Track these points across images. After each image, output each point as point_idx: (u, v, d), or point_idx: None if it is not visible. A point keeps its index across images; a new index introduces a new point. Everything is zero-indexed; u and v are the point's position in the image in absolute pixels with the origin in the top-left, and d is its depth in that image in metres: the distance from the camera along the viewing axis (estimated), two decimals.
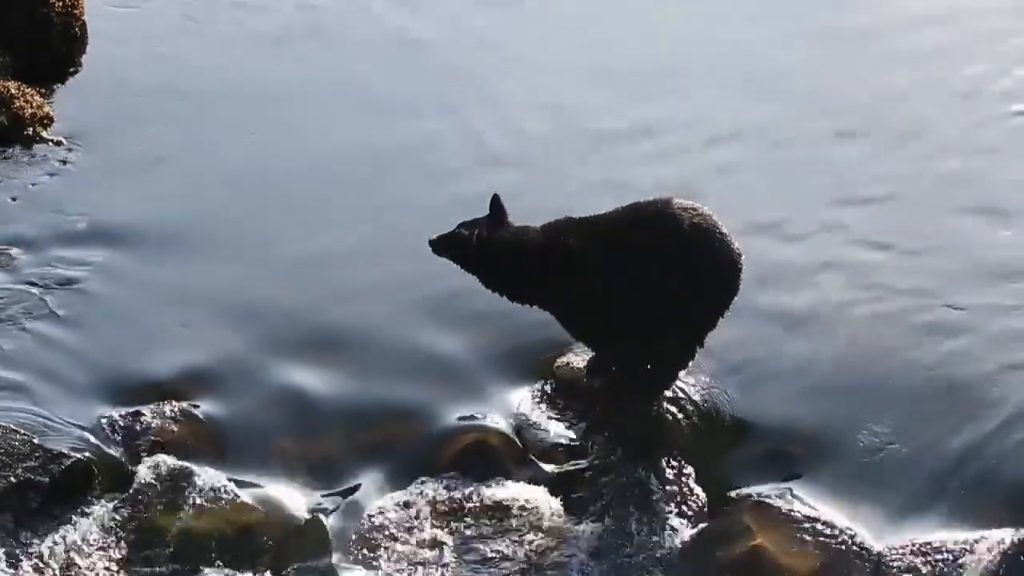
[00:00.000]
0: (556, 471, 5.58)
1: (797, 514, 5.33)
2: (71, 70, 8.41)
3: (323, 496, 5.49)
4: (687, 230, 5.46)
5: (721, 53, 8.46)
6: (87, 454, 5.52)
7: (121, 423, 5.72)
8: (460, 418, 5.78)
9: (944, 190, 7.17)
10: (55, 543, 5.18)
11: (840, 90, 8.08)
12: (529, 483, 5.51)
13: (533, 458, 5.62)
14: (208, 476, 5.47)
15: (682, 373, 5.80)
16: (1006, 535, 5.17)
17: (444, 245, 5.71)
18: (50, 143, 7.69)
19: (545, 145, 7.60)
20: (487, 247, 5.63)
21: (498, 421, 5.77)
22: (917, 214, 6.99)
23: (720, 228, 5.51)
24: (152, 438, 5.66)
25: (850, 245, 6.75)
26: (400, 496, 5.45)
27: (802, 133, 7.67)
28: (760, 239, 6.58)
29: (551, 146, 7.60)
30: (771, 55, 8.45)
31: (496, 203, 5.70)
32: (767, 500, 5.41)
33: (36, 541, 5.18)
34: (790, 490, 5.43)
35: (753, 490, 5.47)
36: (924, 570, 5.11)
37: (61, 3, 8.37)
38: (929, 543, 5.20)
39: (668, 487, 5.50)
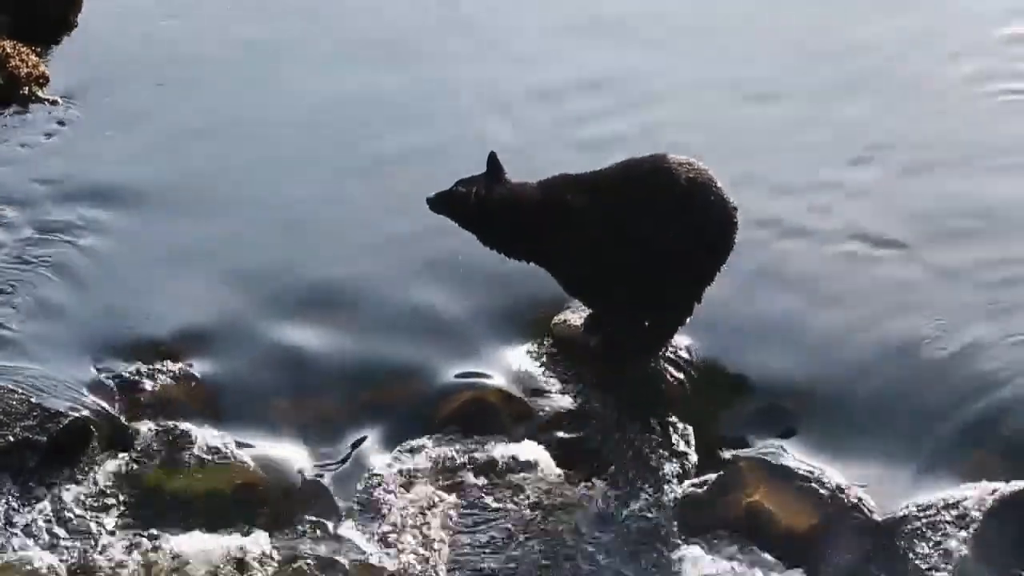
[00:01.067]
0: (553, 429, 5.57)
1: (794, 470, 5.33)
2: (67, 29, 8.37)
3: (321, 455, 5.49)
4: (683, 184, 5.45)
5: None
6: (85, 413, 5.51)
7: (119, 382, 5.72)
8: (458, 376, 5.77)
9: (935, 149, 7.18)
10: (53, 503, 5.18)
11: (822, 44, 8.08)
12: (527, 441, 5.51)
13: (531, 416, 5.62)
14: (206, 436, 5.47)
15: (679, 330, 5.79)
16: (1001, 487, 5.17)
17: (442, 203, 5.69)
18: (46, 102, 7.67)
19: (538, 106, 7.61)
20: (486, 204, 5.61)
21: (496, 379, 5.76)
22: (911, 172, 6.99)
23: (716, 182, 5.50)
24: (150, 397, 5.67)
25: (846, 202, 6.75)
26: (398, 454, 5.45)
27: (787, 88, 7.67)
28: (753, 195, 6.54)
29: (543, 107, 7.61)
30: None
31: (493, 160, 5.68)
32: (764, 457, 5.41)
33: (34, 501, 5.18)
34: (786, 447, 5.43)
35: (750, 447, 5.48)
36: (921, 524, 5.11)
37: None
38: (926, 497, 5.21)
39: (665, 444, 5.49)
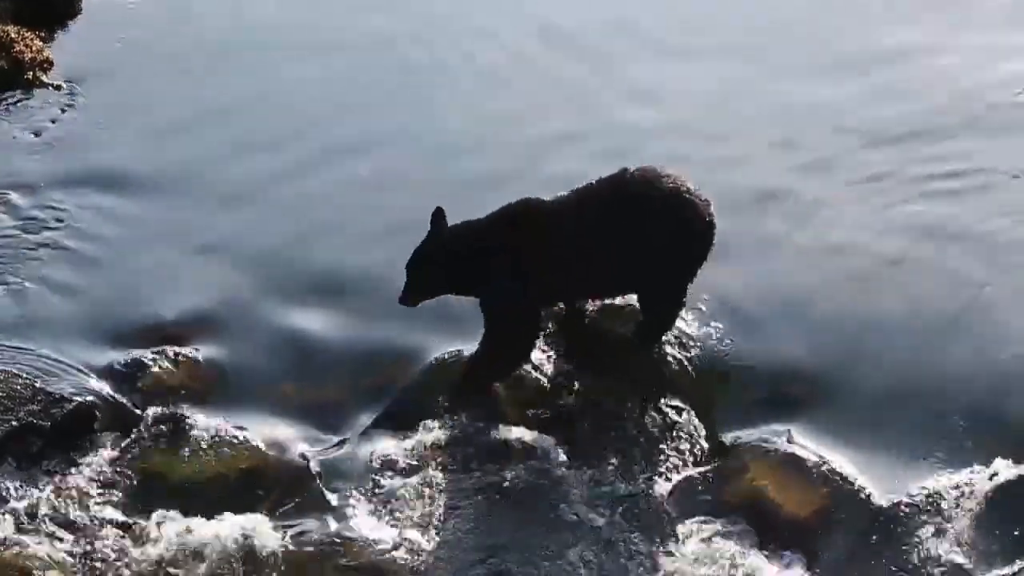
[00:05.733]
0: (556, 414, 5.57)
1: (797, 456, 5.34)
2: (71, 15, 8.37)
3: (325, 438, 5.49)
4: (666, 190, 5.52)
5: None
6: (89, 398, 5.53)
7: (124, 367, 5.74)
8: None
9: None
10: (57, 486, 5.19)
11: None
12: (530, 425, 5.51)
13: (534, 401, 5.61)
14: (211, 420, 5.49)
15: (679, 318, 5.79)
16: (1003, 471, 5.17)
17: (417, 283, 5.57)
18: (50, 87, 7.68)
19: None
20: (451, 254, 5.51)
21: None
22: (919, 151, 6.99)
23: (694, 190, 5.55)
24: (155, 382, 5.69)
25: (852, 186, 6.74)
26: (402, 437, 5.46)
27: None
28: (761, 178, 6.69)
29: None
30: None
31: (437, 216, 5.53)
32: (768, 442, 5.42)
33: (38, 485, 5.20)
34: (790, 432, 5.43)
35: (754, 432, 5.48)
36: (923, 509, 5.12)
37: None
38: (928, 483, 5.21)
39: (669, 429, 5.50)
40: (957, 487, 5.17)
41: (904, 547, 5.03)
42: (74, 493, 5.18)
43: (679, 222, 5.54)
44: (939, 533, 5.04)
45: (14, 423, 5.38)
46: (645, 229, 5.51)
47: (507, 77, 7.69)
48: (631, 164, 5.61)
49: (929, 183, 6.72)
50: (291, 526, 5.14)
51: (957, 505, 5.10)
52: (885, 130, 7.13)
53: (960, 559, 4.97)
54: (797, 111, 7.33)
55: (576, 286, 5.69)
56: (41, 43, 7.91)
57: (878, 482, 5.24)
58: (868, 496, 5.19)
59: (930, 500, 5.14)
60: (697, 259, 5.62)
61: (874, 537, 5.09)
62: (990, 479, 5.16)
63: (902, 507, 5.14)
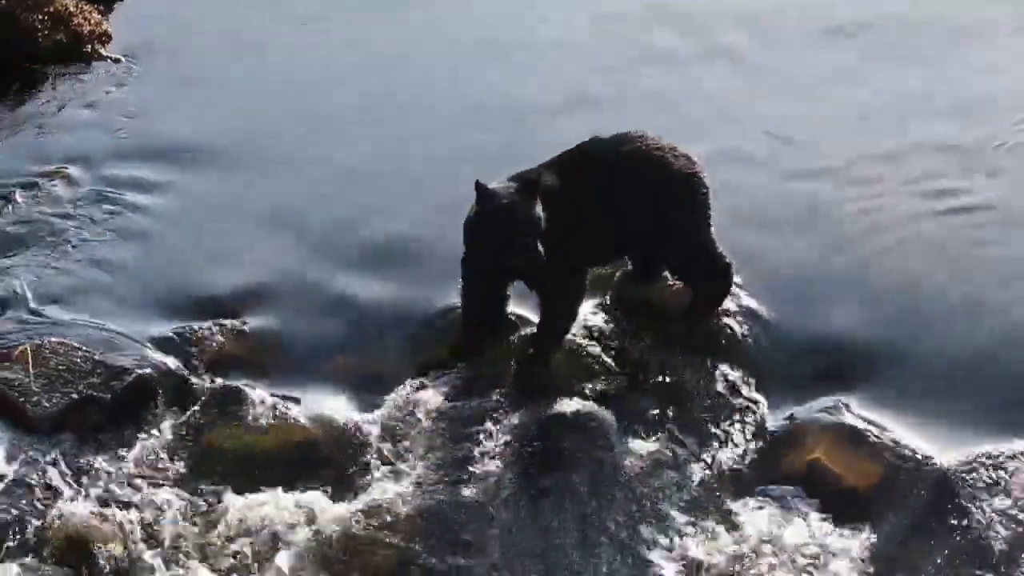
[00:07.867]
0: (614, 385, 5.55)
1: (856, 427, 5.30)
2: None
3: (382, 410, 5.49)
4: (654, 152, 5.52)
5: None
6: (149, 371, 5.56)
7: (182, 339, 5.77)
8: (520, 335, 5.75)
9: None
10: (117, 459, 5.24)
11: None
12: (587, 397, 5.50)
13: (592, 372, 5.60)
14: (267, 393, 5.51)
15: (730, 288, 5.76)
16: None
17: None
18: (108, 60, 7.72)
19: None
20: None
21: None
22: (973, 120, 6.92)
23: (667, 147, 5.54)
24: (213, 354, 5.72)
25: (907, 158, 6.69)
26: (458, 409, 5.46)
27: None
28: (816, 152, 6.66)
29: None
30: None
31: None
32: (826, 413, 5.38)
33: (98, 457, 5.24)
34: (849, 403, 5.39)
35: (811, 404, 5.44)
36: (984, 481, 5.07)
37: None
38: (989, 453, 5.17)
39: (727, 400, 5.47)
40: (1016, 457, 5.12)
41: (966, 518, 4.98)
42: (134, 466, 5.22)
43: (651, 181, 5.50)
44: (1001, 504, 4.99)
45: (74, 396, 5.42)
46: (624, 192, 5.47)
47: (550, 66, 7.65)
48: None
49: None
50: (350, 500, 5.14)
51: (1019, 475, 5.06)
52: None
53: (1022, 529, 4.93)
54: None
55: (581, 254, 5.60)
56: (99, 16, 7.94)
57: (938, 453, 5.19)
58: (928, 467, 5.14)
59: (991, 471, 5.09)
60: (685, 216, 5.56)
61: (935, 508, 5.04)
62: None
63: (963, 478, 5.09)
